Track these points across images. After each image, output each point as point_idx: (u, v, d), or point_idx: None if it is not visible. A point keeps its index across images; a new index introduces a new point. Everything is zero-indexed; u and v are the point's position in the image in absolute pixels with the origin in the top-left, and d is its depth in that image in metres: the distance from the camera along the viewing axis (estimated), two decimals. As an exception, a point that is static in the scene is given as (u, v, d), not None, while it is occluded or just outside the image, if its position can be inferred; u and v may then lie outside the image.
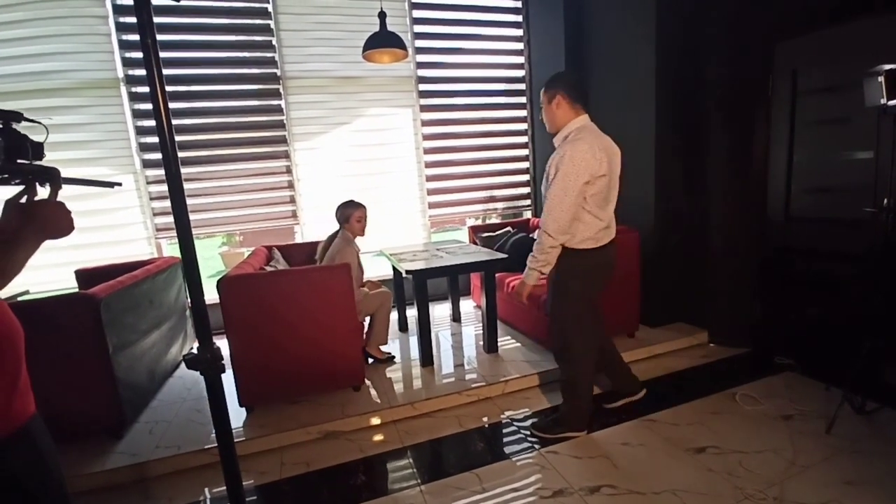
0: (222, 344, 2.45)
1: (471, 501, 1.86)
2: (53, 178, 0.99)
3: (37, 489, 1.00)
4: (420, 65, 4.31)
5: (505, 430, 2.37)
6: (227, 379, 2.49)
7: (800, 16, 2.71)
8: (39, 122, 1.03)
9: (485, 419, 2.47)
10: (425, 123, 4.40)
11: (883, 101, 1.96)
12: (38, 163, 0.99)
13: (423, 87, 4.34)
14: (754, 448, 2.05)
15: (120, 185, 1.23)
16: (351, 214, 3.00)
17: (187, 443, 2.28)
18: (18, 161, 0.95)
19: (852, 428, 2.12)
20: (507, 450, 2.19)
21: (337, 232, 3.08)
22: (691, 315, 3.44)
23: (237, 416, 2.52)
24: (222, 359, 1.01)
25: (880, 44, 2.33)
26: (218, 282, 2.39)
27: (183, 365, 3.34)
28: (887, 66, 1.96)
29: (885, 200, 2.15)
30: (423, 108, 4.37)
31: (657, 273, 3.37)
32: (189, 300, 3.55)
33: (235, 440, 2.25)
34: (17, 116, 0.96)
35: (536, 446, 2.19)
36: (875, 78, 1.98)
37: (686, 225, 3.39)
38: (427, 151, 4.45)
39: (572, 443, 2.20)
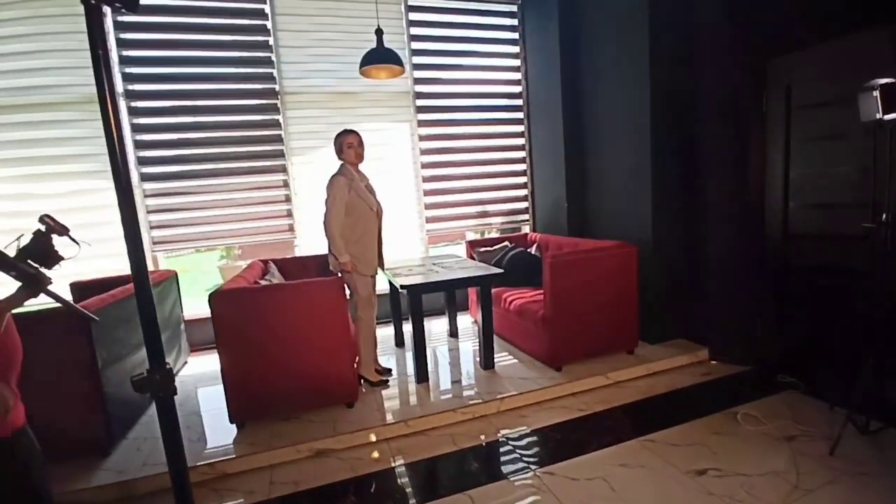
0: (213, 359, 2.44)
1: (463, 525, 1.81)
2: (36, 285, 1.16)
3: (12, 499, 1.10)
4: (417, 80, 4.35)
5: (500, 450, 2.31)
6: (219, 394, 2.49)
7: (792, 32, 2.73)
8: (77, 242, 1.22)
9: (481, 438, 2.42)
10: (423, 138, 4.42)
11: (878, 115, 1.95)
12: (38, 268, 1.17)
13: (420, 102, 4.37)
14: (756, 470, 1.99)
15: (95, 319, 1.49)
16: (342, 142, 2.79)
17: (175, 461, 2.22)
18: (28, 261, 1.15)
19: (856, 449, 2.06)
20: (502, 470, 2.14)
21: None
22: (691, 332, 3.39)
23: (228, 432, 2.47)
24: (174, 380, 0.97)
25: (873, 58, 2.33)
26: (210, 295, 2.36)
27: (175, 380, 3.30)
28: (882, 81, 1.95)
29: (884, 216, 2.13)
30: (421, 123, 4.40)
31: (655, 289, 3.33)
32: (178, 314, 3.53)
33: (226, 457, 2.24)
34: (64, 230, 1.19)
35: (532, 467, 2.13)
36: (870, 92, 1.97)
37: (684, 240, 3.36)
38: (424, 166, 4.46)
39: (569, 464, 2.14)
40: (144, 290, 0.90)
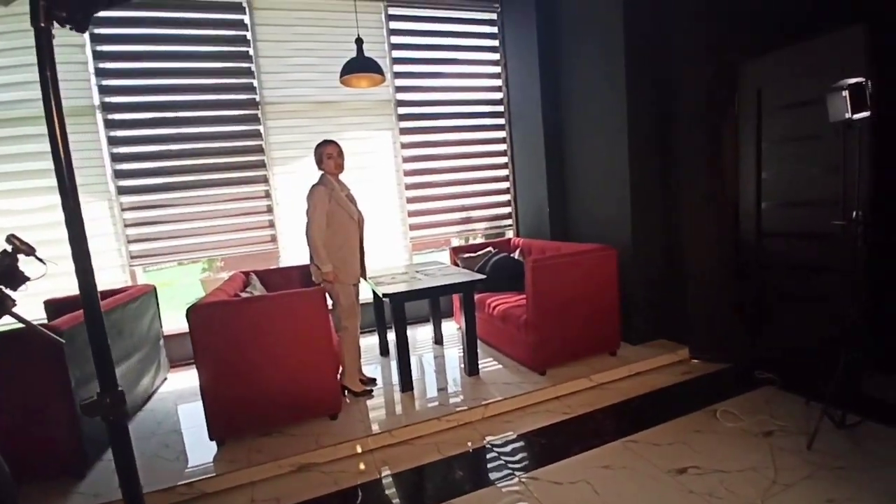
0: (194, 374, 2.39)
1: (447, 534, 1.79)
2: (0, 308, 1.17)
3: None
4: (399, 88, 4.37)
5: (485, 457, 2.30)
6: (199, 411, 2.44)
7: (761, 36, 2.81)
8: (43, 262, 1.24)
9: (467, 445, 2.41)
10: (405, 146, 4.43)
11: (847, 115, 2.01)
12: (1, 290, 1.18)
13: (401, 110, 4.39)
14: (735, 467, 2.02)
15: (61, 342, 1.52)
16: (321, 153, 2.79)
17: (153, 481, 2.17)
18: None
19: (833, 443, 2.10)
20: (487, 477, 2.13)
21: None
22: (672, 331, 3.44)
23: (208, 449, 2.42)
24: (125, 403, 0.95)
25: (842, 59, 2.40)
26: (188, 310, 2.32)
27: (154, 398, 3.23)
28: (850, 81, 2.00)
29: (855, 213, 2.18)
30: (403, 131, 4.41)
31: (636, 290, 3.37)
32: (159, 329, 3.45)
33: (205, 476, 2.19)
34: (30, 250, 1.19)
35: (517, 473, 2.13)
36: (839, 92, 2.02)
37: (663, 242, 3.41)
38: (407, 174, 4.46)
39: (553, 468, 2.14)
40: (94, 310, 0.89)
